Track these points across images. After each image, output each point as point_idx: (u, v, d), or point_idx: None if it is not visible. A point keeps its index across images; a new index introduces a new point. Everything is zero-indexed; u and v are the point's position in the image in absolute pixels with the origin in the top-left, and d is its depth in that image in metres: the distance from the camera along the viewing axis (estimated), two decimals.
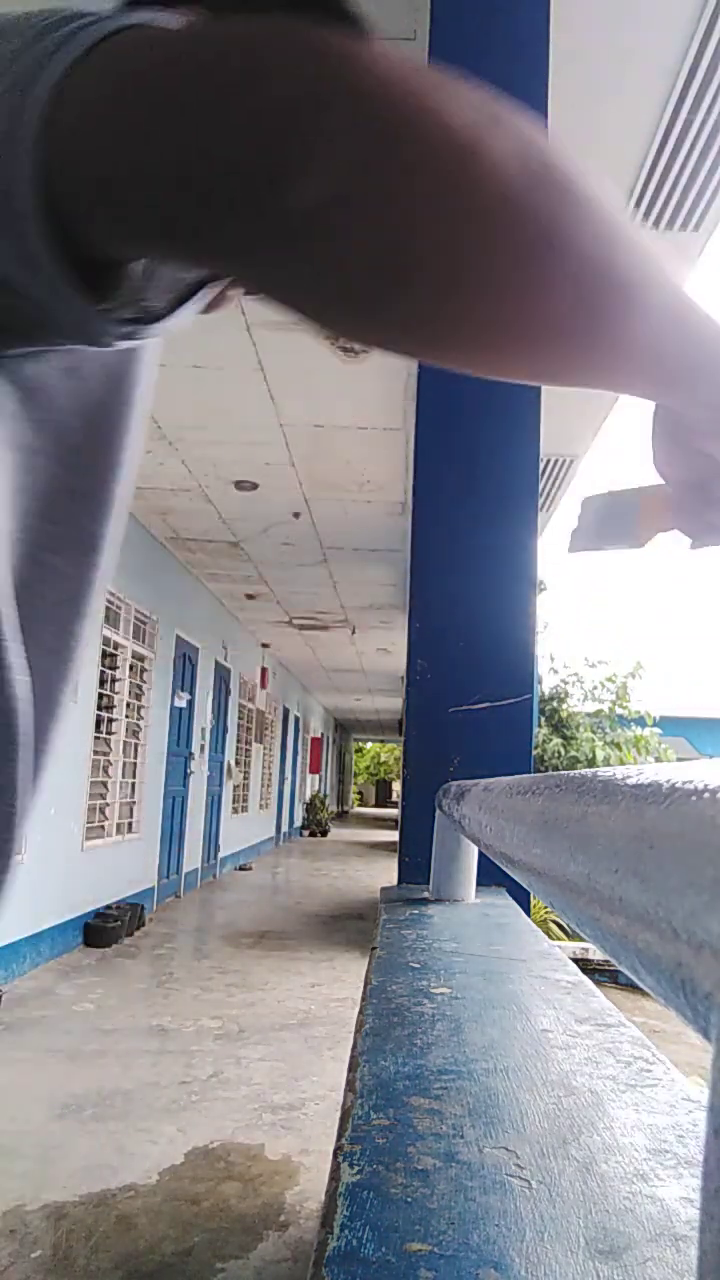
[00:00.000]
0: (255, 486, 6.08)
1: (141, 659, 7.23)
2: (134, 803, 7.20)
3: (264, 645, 12.49)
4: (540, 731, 9.29)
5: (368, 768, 36.94)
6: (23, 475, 0.47)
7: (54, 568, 0.52)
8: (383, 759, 35.85)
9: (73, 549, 0.53)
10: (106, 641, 6.41)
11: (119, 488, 0.55)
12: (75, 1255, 2.27)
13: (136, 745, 7.22)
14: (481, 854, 1.54)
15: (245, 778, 12.08)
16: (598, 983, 1.15)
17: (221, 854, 10.60)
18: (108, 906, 6.41)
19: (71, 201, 0.34)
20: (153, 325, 0.42)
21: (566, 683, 10.03)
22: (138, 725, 7.21)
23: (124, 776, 6.94)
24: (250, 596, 9.46)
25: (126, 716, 6.94)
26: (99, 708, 6.25)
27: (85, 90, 0.34)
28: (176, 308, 0.44)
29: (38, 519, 0.50)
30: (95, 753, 6.23)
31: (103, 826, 6.49)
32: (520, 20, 2.12)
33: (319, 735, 21.50)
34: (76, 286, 0.36)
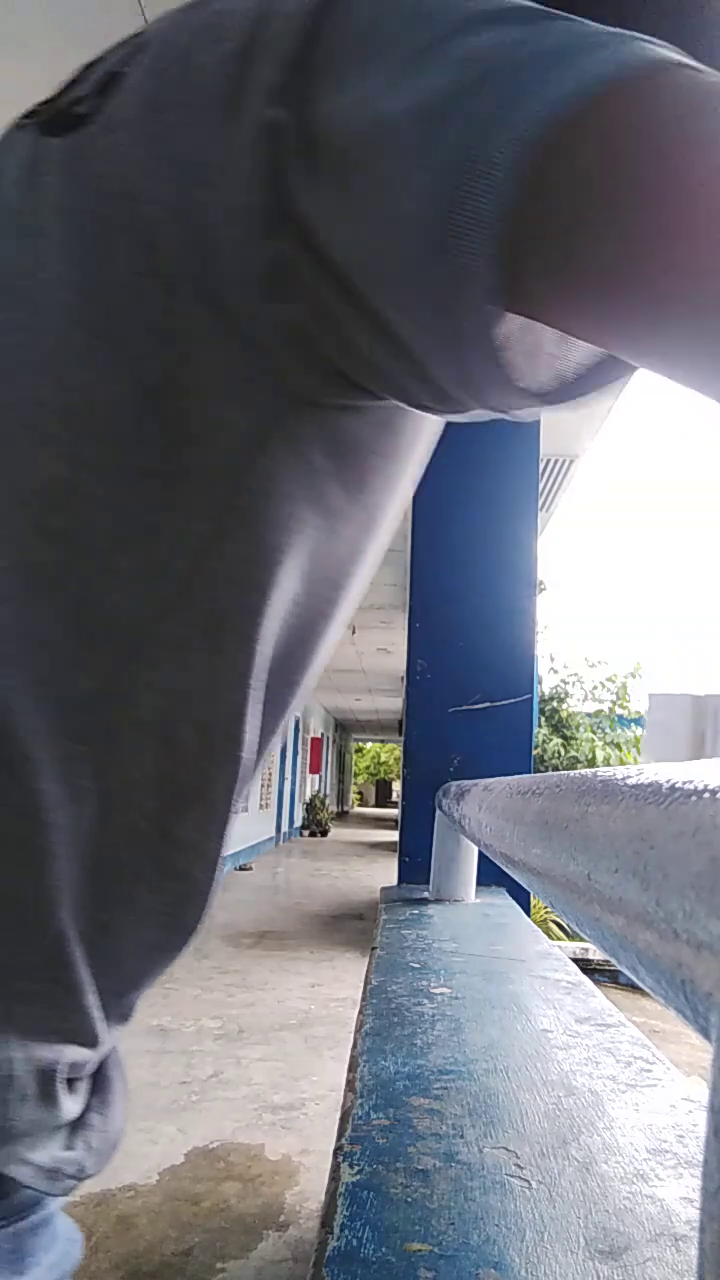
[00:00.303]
0: None
1: None
2: None
3: None
4: (540, 731, 9.29)
5: (368, 768, 36.95)
6: (322, 539, 0.46)
7: (322, 634, 0.50)
8: (383, 759, 35.86)
9: (340, 617, 0.51)
10: None
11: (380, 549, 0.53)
12: None
13: None
14: (481, 854, 1.54)
15: None
16: (598, 983, 1.15)
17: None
18: None
19: (527, 262, 0.29)
20: (546, 401, 0.38)
21: (566, 683, 10.04)
22: None
23: None
24: None
25: None
26: None
27: (598, 142, 0.26)
28: (565, 389, 0.39)
29: (323, 586, 0.48)
30: None
31: None
32: None
33: (319, 735, 21.52)
34: (497, 352, 0.33)
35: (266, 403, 0.41)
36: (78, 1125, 0.45)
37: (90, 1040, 0.44)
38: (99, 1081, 0.48)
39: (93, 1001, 0.44)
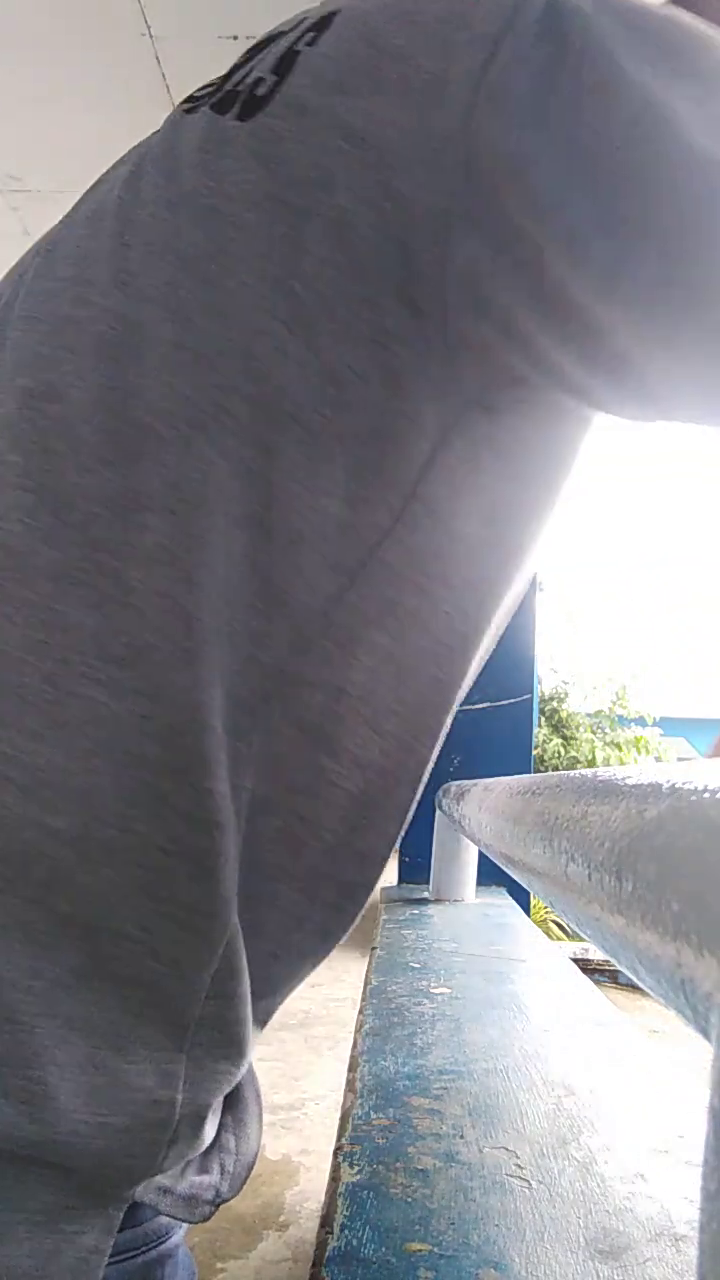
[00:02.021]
0: None
1: None
2: None
3: None
4: (540, 731, 9.28)
5: None
6: (491, 539, 0.46)
7: (482, 640, 0.50)
8: None
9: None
10: None
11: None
12: None
13: None
14: (481, 854, 1.54)
15: None
16: (598, 983, 1.15)
17: None
18: None
19: None
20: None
21: (567, 683, 10.03)
22: None
23: None
24: None
25: None
26: None
27: None
28: None
29: (485, 588, 0.48)
30: None
31: None
32: None
33: None
34: None
35: (450, 401, 0.41)
36: (213, 1148, 0.43)
37: (243, 1053, 0.41)
38: (233, 1100, 0.46)
39: (249, 1013, 0.42)
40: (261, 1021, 0.46)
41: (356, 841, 0.45)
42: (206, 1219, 0.42)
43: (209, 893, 0.38)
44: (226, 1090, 0.40)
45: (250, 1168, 0.45)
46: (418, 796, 0.50)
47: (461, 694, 0.51)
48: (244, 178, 0.40)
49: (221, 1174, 0.43)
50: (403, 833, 0.49)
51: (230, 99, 0.43)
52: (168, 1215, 0.40)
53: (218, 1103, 0.44)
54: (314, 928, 0.45)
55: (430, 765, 0.51)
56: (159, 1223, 0.42)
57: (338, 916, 0.46)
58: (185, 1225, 0.45)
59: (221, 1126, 0.44)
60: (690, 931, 0.17)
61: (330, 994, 4.92)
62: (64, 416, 0.39)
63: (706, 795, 0.20)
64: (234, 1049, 0.39)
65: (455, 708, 0.50)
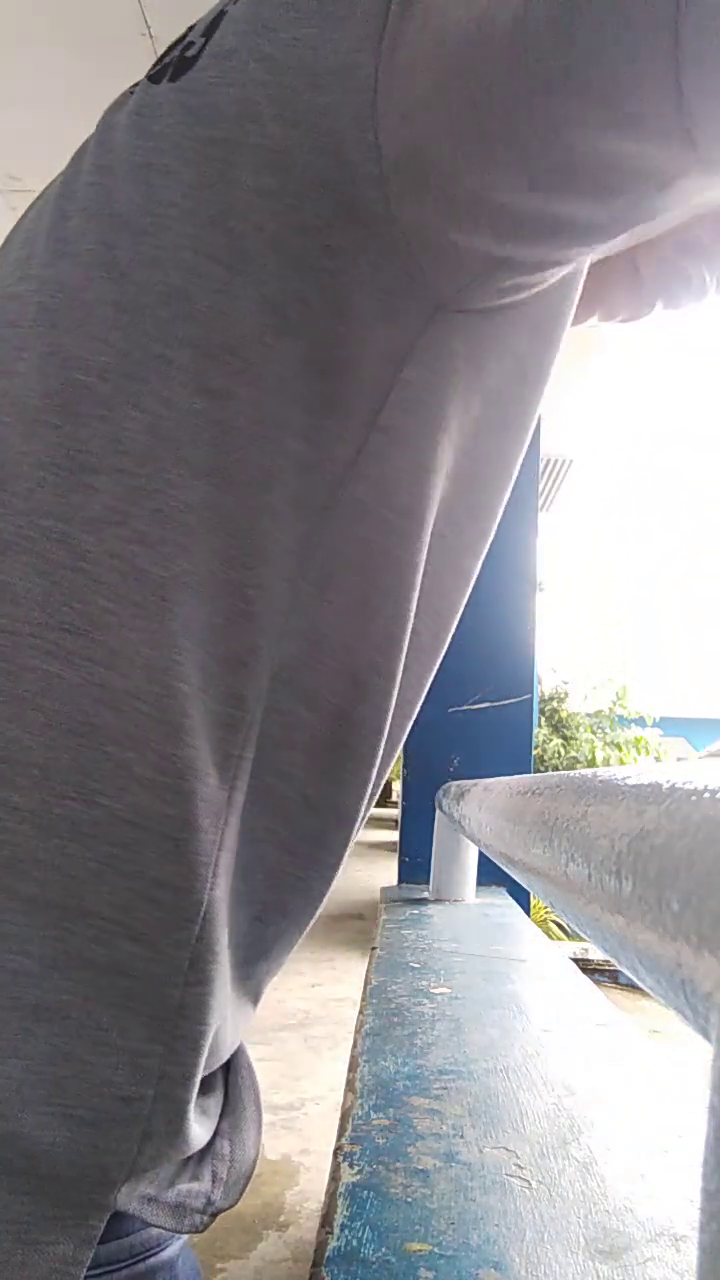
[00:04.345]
0: None
1: None
2: None
3: None
4: (540, 731, 9.28)
5: None
6: (465, 461, 0.44)
7: (469, 573, 0.49)
8: None
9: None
10: None
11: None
12: None
13: None
14: (481, 854, 1.54)
15: None
16: (598, 983, 1.15)
17: None
18: None
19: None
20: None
21: (566, 683, 10.04)
22: None
23: None
24: None
25: None
26: None
27: None
28: None
29: (466, 515, 0.46)
30: None
31: None
32: None
33: None
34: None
35: (407, 313, 0.39)
36: (205, 1153, 0.41)
37: (224, 1029, 0.40)
38: (231, 1105, 0.44)
39: (231, 984, 0.41)
40: (253, 996, 0.45)
41: (338, 796, 0.44)
42: (199, 1229, 0.40)
43: (180, 865, 0.36)
44: (209, 1083, 0.39)
45: (248, 1176, 0.44)
46: (398, 748, 0.49)
47: (442, 642, 0.49)
48: (173, 131, 0.40)
49: (214, 1181, 0.41)
50: (380, 785, 0.48)
51: (164, 69, 0.43)
52: (154, 1225, 0.38)
53: (214, 1103, 0.43)
54: (299, 886, 0.44)
55: (412, 715, 0.49)
56: (149, 1234, 0.40)
57: (321, 873, 0.45)
58: (186, 1236, 0.43)
59: (217, 1133, 0.42)
60: (690, 931, 0.17)
61: (330, 994, 4.92)
62: (11, 390, 0.39)
63: (706, 795, 0.20)
64: (207, 1039, 0.38)
65: (437, 656, 0.49)
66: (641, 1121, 0.62)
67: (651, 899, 0.20)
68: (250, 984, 0.44)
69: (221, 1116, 0.43)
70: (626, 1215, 0.48)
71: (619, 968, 0.25)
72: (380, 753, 0.45)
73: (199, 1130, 0.40)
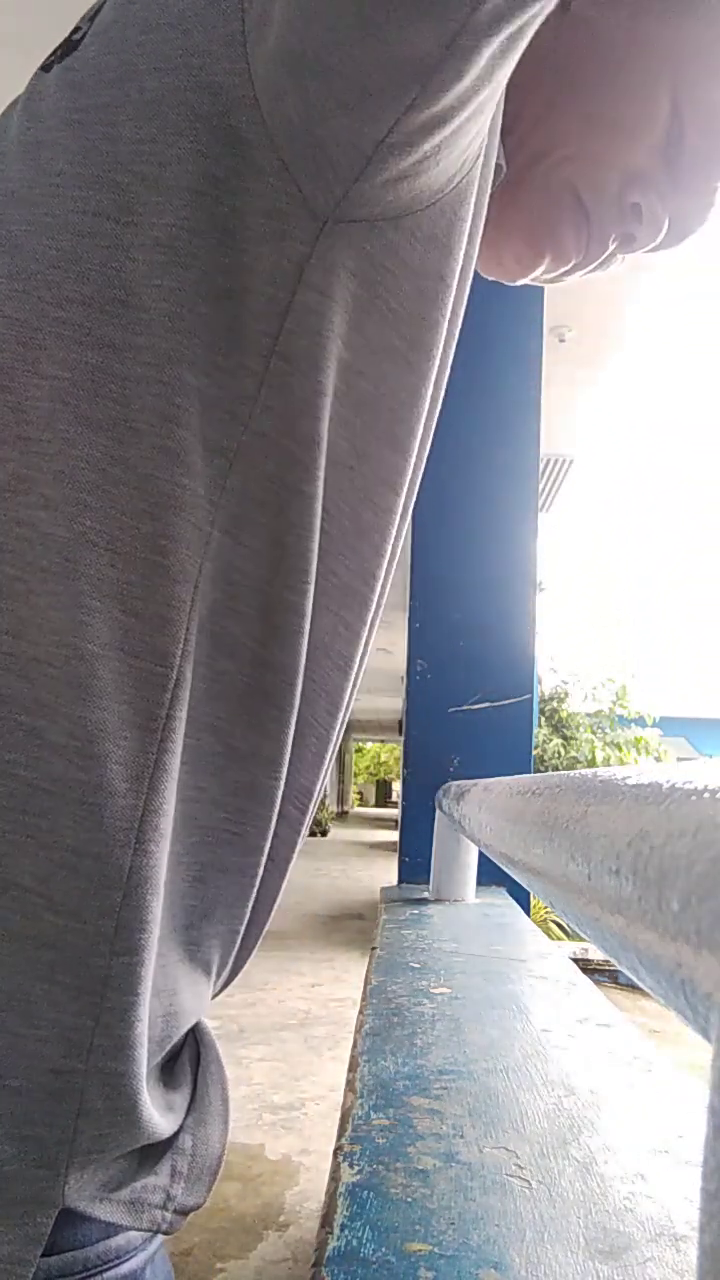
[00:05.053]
0: None
1: None
2: None
3: None
4: (540, 731, 9.28)
5: (368, 768, 36.94)
6: (368, 386, 0.43)
7: (391, 508, 0.47)
8: (383, 759, 35.86)
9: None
10: None
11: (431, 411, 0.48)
12: None
13: None
14: (481, 854, 1.54)
15: None
16: (598, 983, 1.15)
17: None
18: None
19: None
20: None
21: (566, 683, 10.04)
22: None
23: None
24: None
25: None
26: None
27: None
28: None
29: (382, 442, 0.44)
30: None
31: None
32: None
33: None
34: None
35: (294, 232, 0.39)
36: (165, 1147, 0.40)
37: (175, 1003, 0.39)
38: (196, 1099, 0.44)
39: (176, 952, 0.40)
40: (204, 967, 0.44)
41: (264, 745, 0.43)
42: (162, 1228, 0.39)
43: (98, 831, 0.36)
44: (138, 1053, 0.37)
45: (213, 1172, 0.43)
46: (341, 707, 0.48)
47: (370, 586, 0.48)
48: (59, 106, 0.41)
49: (173, 1176, 0.40)
50: (331, 739, 0.47)
51: (53, 58, 0.45)
52: (108, 1221, 0.37)
53: (179, 1098, 0.42)
54: (234, 840, 0.43)
55: (351, 670, 0.48)
56: (109, 1246, 0.38)
57: (256, 825, 0.44)
58: (156, 1248, 0.41)
59: (181, 1128, 0.42)
60: (690, 931, 0.18)
61: (330, 994, 4.93)
62: None
63: (706, 795, 0.20)
64: (139, 1011, 0.37)
65: (369, 601, 0.48)
66: (641, 1121, 0.62)
67: (651, 899, 0.20)
68: (198, 953, 0.43)
69: (188, 1112, 0.43)
70: (626, 1215, 0.48)
71: (619, 968, 0.25)
72: (297, 696, 0.44)
73: (159, 1120, 0.39)
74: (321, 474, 0.42)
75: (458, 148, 0.41)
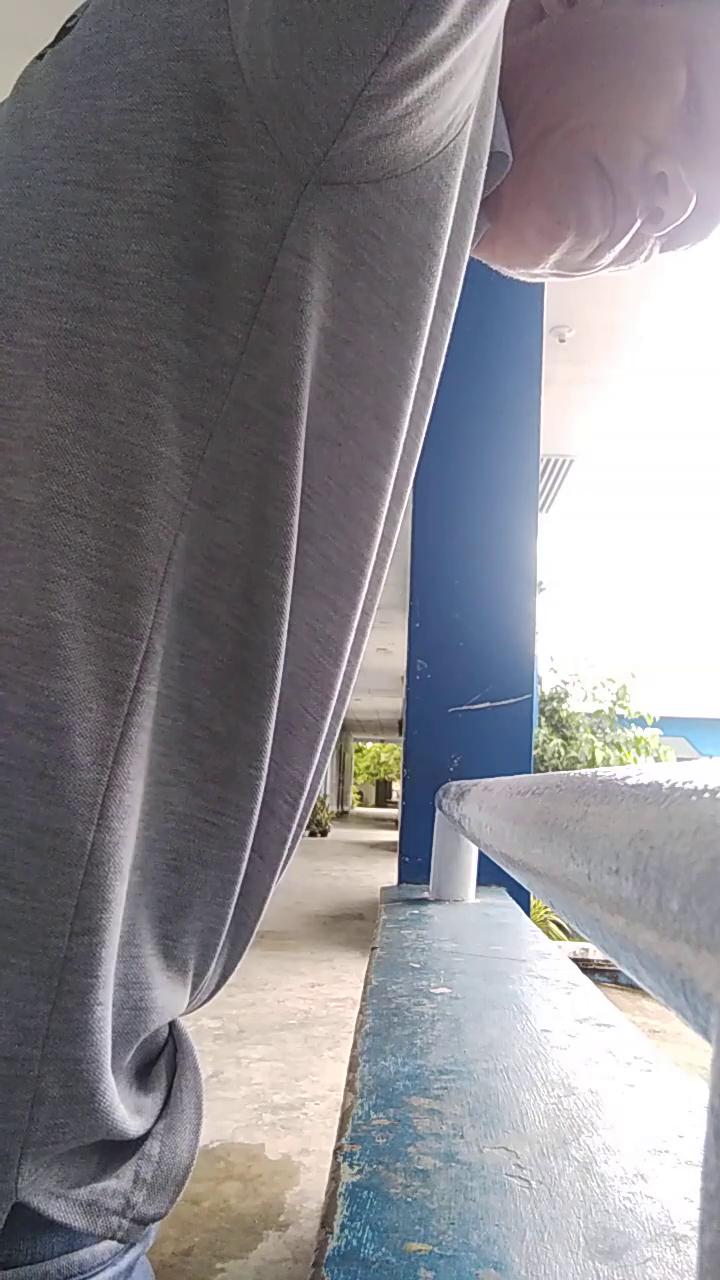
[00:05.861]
0: None
1: None
2: None
3: None
4: (540, 731, 9.28)
5: (368, 768, 36.95)
6: (352, 355, 0.42)
7: (378, 483, 0.46)
8: (383, 759, 35.87)
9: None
10: None
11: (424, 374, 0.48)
12: None
13: None
14: (481, 854, 1.54)
15: None
16: (598, 983, 1.15)
17: None
18: None
19: None
20: None
21: (566, 683, 10.03)
22: None
23: None
24: None
25: None
26: None
27: None
28: None
29: (368, 416, 0.44)
30: None
31: None
32: None
33: None
34: None
35: (275, 195, 0.39)
36: (130, 1152, 0.39)
37: (146, 998, 0.38)
38: (169, 1105, 0.42)
39: (151, 945, 0.39)
40: (181, 969, 0.42)
41: (245, 730, 0.42)
42: (117, 1235, 0.37)
43: (57, 806, 0.35)
44: (98, 1040, 0.36)
45: (179, 1182, 0.41)
46: (332, 696, 0.47)
47: (360, 567, 0.47)
48: (46, 85, 0.42)
49: (135, 1182, 0.39)
50: (326, 732, 0.46)
51: (48, 48, 0.45)
52: (61, 1221, 0.35)
53: (151, 1102, 0.40)
54: (213, 831, 0.42)
55: (341, 656, 0.48)
56: (73, 1260, 0.37)
57: (237, 817, 0.43)
58: (129, 1264, 0.40)
59: (150, 1133, 0.40)
60: (690, 931, 0.18)
61: (330, 994, 4.92)
62: None
63: (706, 795, 0.20)
64: (99, 994, 0.36)
65: (360, 582, 0.47)
66: (641, 1121, 0.62)
67: (651, 899, 0.20)
68: (175, 949, 0.42)
69: (159, 1118, 0.41)
70: (626, 1215, 0.48)
71: (619, 968, 0.25)
72: (279, 679, 0.43)
73: (124, 1116, 0.38)
74: (301, 445, 0.41)
75: (441, 108, 0.40)
